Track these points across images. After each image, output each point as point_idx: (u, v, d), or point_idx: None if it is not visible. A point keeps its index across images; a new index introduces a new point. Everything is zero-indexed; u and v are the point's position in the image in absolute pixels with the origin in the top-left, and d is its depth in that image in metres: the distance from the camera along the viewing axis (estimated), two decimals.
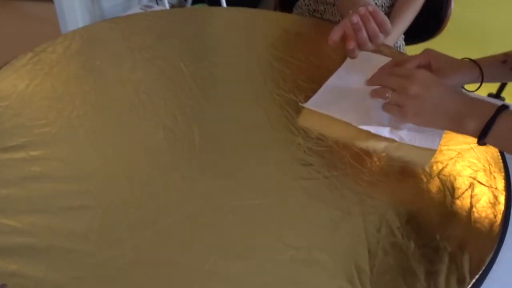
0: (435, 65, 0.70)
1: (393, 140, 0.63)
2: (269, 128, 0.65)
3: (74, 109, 0.67)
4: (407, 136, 0.63)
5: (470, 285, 0.45)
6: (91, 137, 0.63)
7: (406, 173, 0.59)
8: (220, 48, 0.88)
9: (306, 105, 0.69)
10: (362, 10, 0.73)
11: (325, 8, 1.12)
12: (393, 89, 0.61)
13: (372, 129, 0.64)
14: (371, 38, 0.74)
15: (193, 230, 0.50)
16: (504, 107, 0.55)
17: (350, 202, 0.54)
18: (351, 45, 0.73)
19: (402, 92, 0.59)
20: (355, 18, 0.72)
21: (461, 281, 0.45)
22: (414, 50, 0.91)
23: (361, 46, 0.75)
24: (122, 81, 0.74)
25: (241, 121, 0.67)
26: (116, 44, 0.84)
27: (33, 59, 0.77)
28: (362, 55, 0.77)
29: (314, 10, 1.14)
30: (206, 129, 0.65)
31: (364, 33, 0.73)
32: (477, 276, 0.45)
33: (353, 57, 0.76)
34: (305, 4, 1.16)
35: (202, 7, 1.75)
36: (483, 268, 0.46)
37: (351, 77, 0.75)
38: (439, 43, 0.88)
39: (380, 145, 0.63)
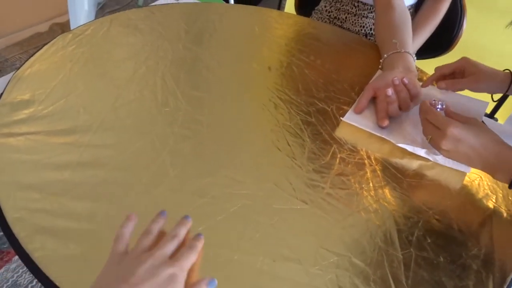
0: (469, 71, 0.76)
1: (427, 160, 0.68)
2: (305, 137, 0.69)
3: (118, 97, 0.68)
4: (442, 159, 0.67)
5: None
6: (136, 126, 0.64)
7: (435, 192, 0.64)
8: (241, 50, 0.90)
9: (344, 119, 0.72)
10: (396, 81, 0.74)
11: (346, 17, 1.15)
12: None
13: (409, 148, 0.68)
14: (401, 107, 0.74)
15: (240, 230, 0.53)
16: None
17: (384, 215, 0.58)
18: (385, 123, 0.71)
19: (436, 144, 0.64)
20: (390, 91, 0.72)
21: None
22: (424, 65, 0.96)
23: (389, 115, 0.73)
24: (163, 72, 0.75)
25: (277, 127, 0.70)
26: (151, 31, 0.85)
27: (74, 41, 0.78)
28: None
29: (335, 17, 1.17)
30: (249, 132, 0.68)
31: (396, 106, 0.73)
32: None
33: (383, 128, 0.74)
34: (326, 10, 1.19)
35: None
36: (505, 286, 0.52)
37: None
38: (449, 61, 0.92)
39: (413, 164, 0.67)
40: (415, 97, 0.75)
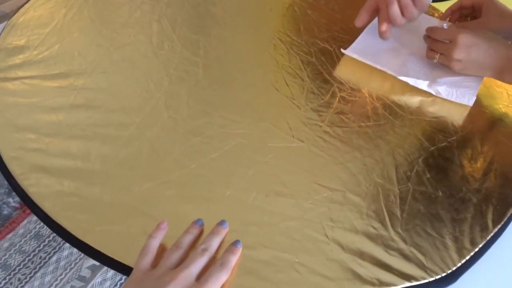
0: (486, 10, 0.71)
1: (428, 96, 0.65)
2: (305, 77, 0.67)
3: (113, 41, 0.67)
4: (444, 91, 0.64)
5: (492, 233, 0.48)
6: (131, 69, 0.64)
7: (437, 128, 0.62)
8: None
9: (346, 51, 0.69)
10: None
11: None
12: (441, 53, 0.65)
13: (411, 81, 0.65)
14: (402, 11, 0.68)
15: (234, 167, 0.53)
16: None
17: (383, 151, 0.57)
18: (383, 27, 0.69)
19: (448, 56, 0.64)
20: None
21: (484, 229, 0.49)
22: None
23: (392, 22, 0.69)
24: (159, 16, 0.74)
25: (276, 68, 0.68)
26: None
27: None
28: None
29: None
30: (247, 73, 0.66)
31: (397, 8, 0.67)
32: (499, 226, 0.49)
33: (385, 38, 0.72)
34: None
35: None
36: (505, 219, 0.50)
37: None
38: None
39: (414, 100, 0.65)
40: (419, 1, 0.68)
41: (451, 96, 0.64)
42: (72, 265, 1.24)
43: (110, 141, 0.54)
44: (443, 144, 0.59)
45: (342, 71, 0.68)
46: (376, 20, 0.74)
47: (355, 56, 0.69)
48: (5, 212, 1.33)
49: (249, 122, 0.59)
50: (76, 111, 0.56)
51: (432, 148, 0.58)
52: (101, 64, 0.63)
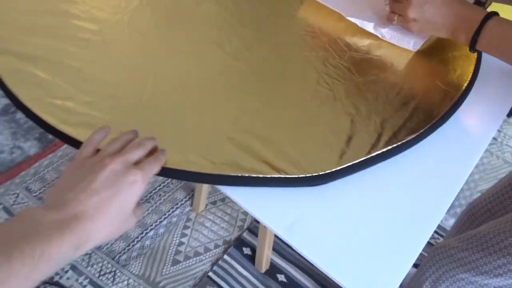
0: None
1: (376, 39, 0.68)
2: (276, 15, 0.72)
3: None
4: (388, 33, 0.66)
5: (378, 152, 0.52)
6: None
7: (371, 64, 0.64)
8: None
9: None
10: None
11: None
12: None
13: (358, 22, 0.68)
14: None
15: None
16: (492, 14, 0.57)
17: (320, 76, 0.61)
18: None
19: (404, 16, 0.63)
20: None
21: (374, 146, 0.52)
22: None
23: None
24: None
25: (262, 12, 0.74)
26: None
27: None
28: None
29: None
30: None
31: None
32: (388, 147, 0.52)
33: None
34: None
35: None
36: (395, 145, 0.53)
37: None
38: None
39: (363, 42, 0.68)
40: None
41: (394, 39, 0.66)
42: None
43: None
44: (370, 78, 0.62)
45: (304, 12, 0.73)
46: None
47: None
48: (50, 137, 1.54)
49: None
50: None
51: (360, 79, 0.61)
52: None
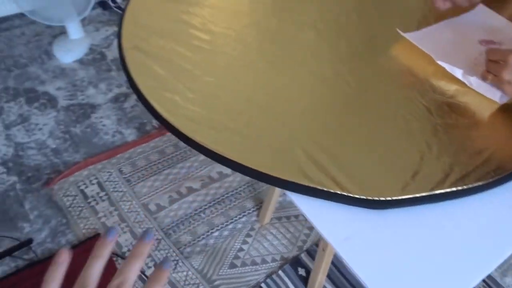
0: None
1: (463, 86, 0.69)
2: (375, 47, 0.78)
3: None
4: (476, 82, 0.68)
5: (443, 191, 0.54)
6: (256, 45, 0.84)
7: (455, 110, 0.66)
8: None
9: (403, 34, 0.77)
10: None
11: None
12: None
13: (448, 66, 0.70)
14: None
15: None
16: None
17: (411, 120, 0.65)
18: (437, 2, 0.77)
19: (499, 77, 0.65)
20: None
21: (440, 183, 0.55)
22: None
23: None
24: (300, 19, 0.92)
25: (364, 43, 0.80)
26: None
27: None
28: (480, 9, 0.80)
29: None
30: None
31: None
32: (453, 188, 0.54)
33: (440, 7, 0.78)
34: None
35: None
36: (460, 188, 0.55)
37: (458, 27, 0.79)
38: None
39: (449, 87, 0.70)
40: None
41: (481, 88, 0.67)
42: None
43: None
44: (449, 121, 0.64)
45: (399, 51, 0.77)
46: (447, 20, 0.80)
47: (407, 37, 0.76)
48: (147, 128, 1.72)
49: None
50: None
51: (438, 121, 0.64)
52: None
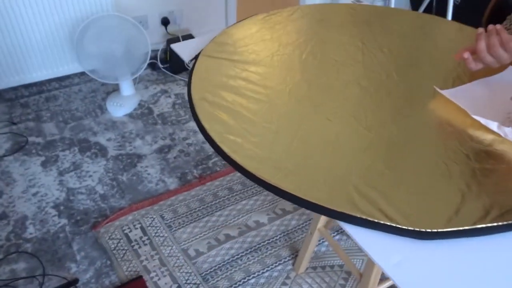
0: None
1: (499, 136, 0.77)
2: (416, 99, 0.87)
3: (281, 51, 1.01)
4: (511, 132, 0.75)
5: (483, 225, 0.59)
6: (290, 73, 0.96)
7: (493, 156, 0.73)
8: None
9: (440, 90, 0.86)
10: (490, 26, 0.83)
11: None
12: None
13: (483, 120, 0.78)
14: (489, 49, 0.82)
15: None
16: None
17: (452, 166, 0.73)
18: (466, 54, 0.85)
19: None
20: (480, 29, 0.85)
21: (482, 218, 0.60)
22: None
23: (478, 54, 0.84)
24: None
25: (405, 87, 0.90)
26: (328, 22, 1.16)
27: (265, 18, 1.16)
28: (510, 71, 0.89)
29: None
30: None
31: (483, 44, 0.82)
32: (493, 223, 0.60)
33: (472, 68, 0.86)
34: None
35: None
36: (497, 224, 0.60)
37: (490, 85, 0.88)
38: None
39: (486, 136, 0.77)
40: (506, 43, 0.81)
41: None
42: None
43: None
44: (487, 166, 0.70)
45: (436, 105, 0.85)
46: (484, 79, 0.88)
47: (445, 94, 0.85)
48: (188, 177, 1.81)
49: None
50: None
51: (476, 165, 0.70)
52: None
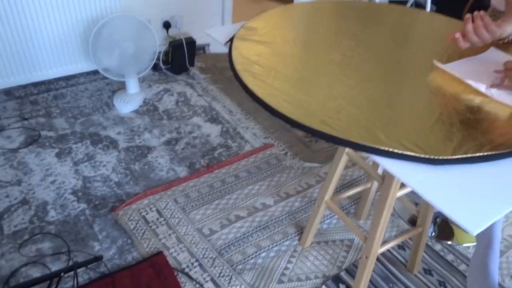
0: None
1: (487, 97, 0.95)
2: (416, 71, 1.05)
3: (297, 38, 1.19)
4: (496, 92, 0.94)
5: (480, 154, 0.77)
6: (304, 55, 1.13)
7: (487, 113, 0.92)
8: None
9: (438, 63, 1.05)
10: (476, 12, 1.03)
11: None
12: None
13: (474, 83, 0.97)
14: (476, 31, 1.01)
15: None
16: None
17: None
18: (456, 34, 1.04)
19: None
20: (467, 15, 1.04)
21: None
22: None
23: (465, 35, 1.03)
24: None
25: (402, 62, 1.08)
26: (330, 15, 1.35)
27: (284, 9, 1.33)
28: (493, 50, 1.10)
29: None
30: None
31: (470, 26, 1.02)
32: (482, 153, 0.78)
33: (462, 47, 1.05)
34: None
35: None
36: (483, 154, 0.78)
37: (478, 61, 1.08)
38: None
39: (477, 99, 0.96)
40: (488, 26, 1.00)
41: (501, 97, 0.93)
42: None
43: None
44: (479, 117, 0.89)
45: (434, 77, 1.04)
46: (475, 56, 1.08)
47: (443, 67, 1.04)
48: (196, 166, 1.95)
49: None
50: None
51: (471, 116, 0.89)
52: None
